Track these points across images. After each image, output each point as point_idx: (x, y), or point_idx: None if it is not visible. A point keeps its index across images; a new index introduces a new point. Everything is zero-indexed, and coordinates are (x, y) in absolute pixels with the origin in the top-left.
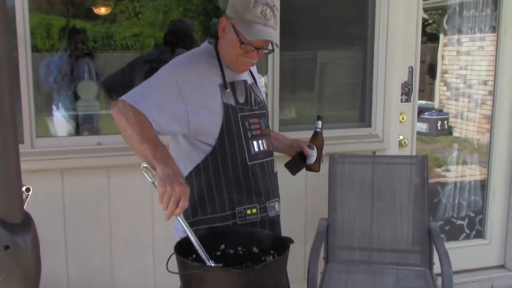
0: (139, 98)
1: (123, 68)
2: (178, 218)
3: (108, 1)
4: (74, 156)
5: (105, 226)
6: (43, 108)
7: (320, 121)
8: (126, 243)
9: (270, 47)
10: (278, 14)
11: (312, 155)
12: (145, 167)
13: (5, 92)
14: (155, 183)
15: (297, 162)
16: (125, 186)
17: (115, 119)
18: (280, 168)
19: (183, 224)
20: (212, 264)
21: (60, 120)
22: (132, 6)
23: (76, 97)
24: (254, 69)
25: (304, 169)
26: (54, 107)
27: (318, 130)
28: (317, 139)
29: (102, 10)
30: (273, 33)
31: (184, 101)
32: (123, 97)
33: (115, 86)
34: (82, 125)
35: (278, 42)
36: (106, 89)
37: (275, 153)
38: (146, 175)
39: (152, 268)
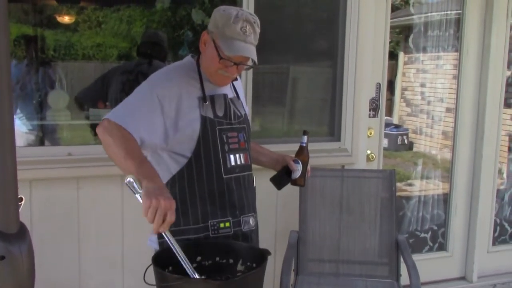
0: (123, 116)
1: (95, 80)
2: (164, 233)
3: (69, 10)
4: (44, 166)
5: (74, 238)
6: None
7: (305, 136)
8: (95, 255)
9: (250, 62)
10: (258, 30)
11: (298, 169)
12: (130, 181)
13: (4, 101)
14: (140, 196)
15: (283, 177)
16: (95, 197)
17: (100, 138)
18: (264, 182)
19: (169, 239)
20: (196, 276)
21: (17, 130)
22: (95, 15)
23: (41, 106)
24: (239, 84)
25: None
26: None
27: (304, 145)
28: (302, 154)
29: (64, 19)
30: (252, 50)
31: (164, 116)
32: (107, 116)
33: (88, 99)
34: (51, 135)
35: (256, 59)
36: (80, 101)
37: (258, 168)
38: (130, 188)
39: (121, 281)
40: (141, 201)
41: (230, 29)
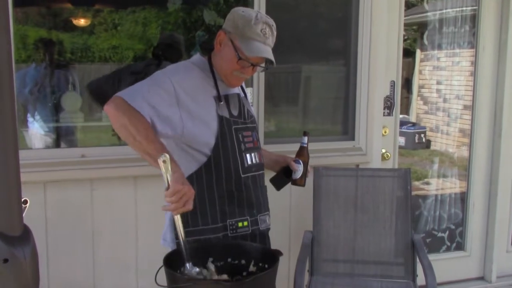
0: (137, 97)
1: (108, 75)
2: (176, 217)
3: (85, 13)
4: (58, 168)
5: (88, 239)
6: (18, 120)
7: (306, 137)
8: (108, 256)
9: (263, 64)
10: (275, 33)
11: (298, 169)
12: (167, 157)
13: (7, 102)
14: (168, 177)
15: (282, 177)
16: (108, 198)
17: (111, 114)
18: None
19: (178, 223)
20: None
21: (36, 132)
22: (110, 18)
23: (56, 108)
24: (243, 84)
25: (288, 184)
26: (29, 119)
27: (304, 145)
28: (303, 154)
29: (80, 22)
30: (270, 52)
31: (179, 107)
32: (120, 94)
33: (100, 90)
34: (65, 137)
35: (274, 61)
36: (90, 91)
37: None
38: (163, 166)
39: (135, 281)
40: (167, 181)
41: (251, 30)
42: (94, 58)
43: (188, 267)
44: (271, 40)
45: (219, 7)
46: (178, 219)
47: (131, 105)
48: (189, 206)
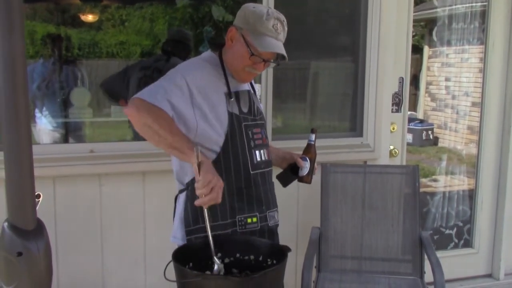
0: (157, 96)
1: (119, 72)
2: (206, 210)
3: (93, 9)
4: (66, 163)
5: (97, 234)
6: None
7: (313, 134)
8: (117, 251)
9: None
10: (286, 29)
11: (305, 166)
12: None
13: (21, 102)
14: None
15: (289, 174)
16: (117, 194)
17: (133, 116)
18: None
19: (206, 217)
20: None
21: (44, 127)
22: (118, 14)
23: (65, 104)
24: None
25: (295, 181)
26: (37, 115)
27: (312, 142)
28: (310, 151)
29: (88, 18)
30: (283, 47)
31: (193, 105)
32: (138, 95)
33: (113, 88)
34: (74, 132)
35: (286, 56)
36: (105, 90)
37: None
38: (196, 155)
39: (144, 277)
40: (198, 172)
41: (263, 26)
42: (101, 53)
43: (217, 263)
44: (283, 36)
45: (226, 3)
46: (207, 212)
47: (152, 104)
48: (219, 199)
